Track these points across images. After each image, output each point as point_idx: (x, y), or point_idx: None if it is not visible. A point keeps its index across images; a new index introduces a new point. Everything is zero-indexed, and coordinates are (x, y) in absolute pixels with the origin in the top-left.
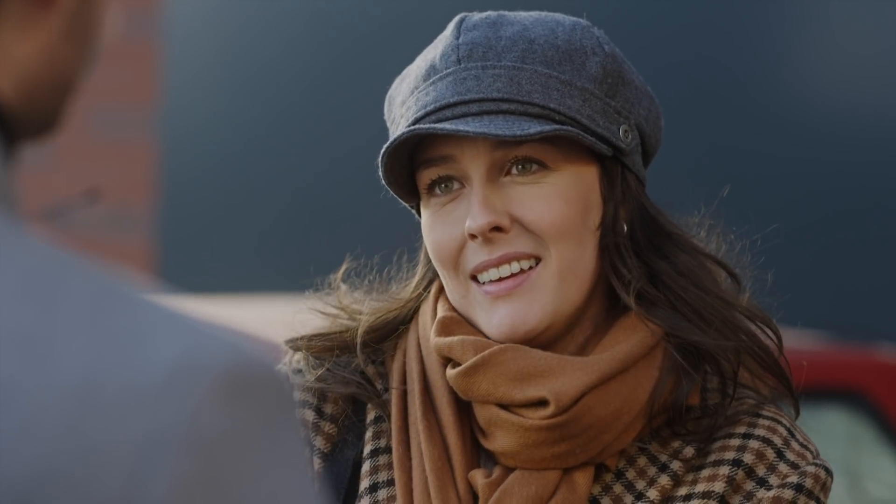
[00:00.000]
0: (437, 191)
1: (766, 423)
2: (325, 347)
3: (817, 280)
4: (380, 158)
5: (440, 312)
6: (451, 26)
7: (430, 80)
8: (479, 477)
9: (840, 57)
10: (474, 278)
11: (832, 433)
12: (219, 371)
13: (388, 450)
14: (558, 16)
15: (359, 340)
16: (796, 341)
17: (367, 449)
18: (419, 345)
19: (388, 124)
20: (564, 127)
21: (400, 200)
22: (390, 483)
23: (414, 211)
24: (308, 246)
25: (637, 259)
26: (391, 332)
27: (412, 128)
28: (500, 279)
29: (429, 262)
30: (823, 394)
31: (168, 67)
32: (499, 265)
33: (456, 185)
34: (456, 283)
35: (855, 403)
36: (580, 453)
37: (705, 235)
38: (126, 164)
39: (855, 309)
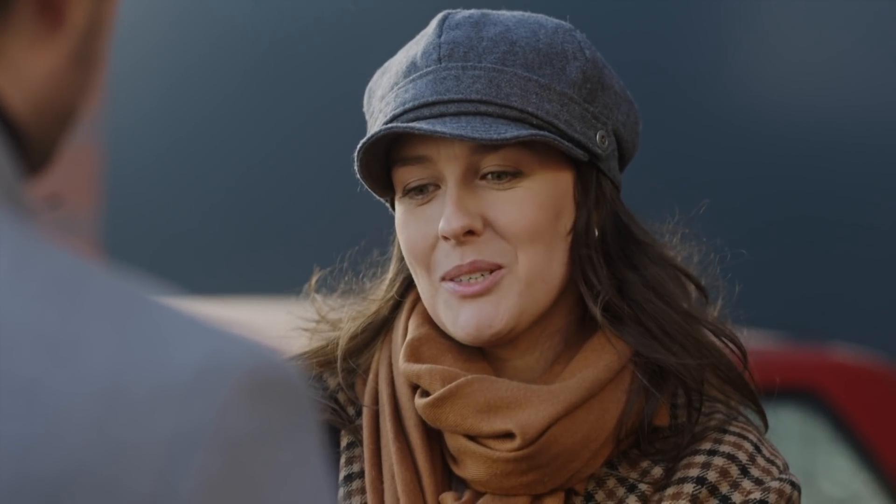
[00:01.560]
0: (413, 192)
1: (732, 438)
2: (307, 367)
3: (771, 280)
4: (356, 153)
5: (410, 332)
6: (434, 23)
7: (411, 78)
8: (448, 500)
9: (779, 59)
10: (443, 279)
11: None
12: (243, 373)
13: (361, 474)
14: (541, 17)
15: (339, 354)
16: (751, 341)
17: (341, 475)
18: (390, 365)
19: (367, 117)
20: (541, 132)
21: (374, 195)
22: None
23: (388, 205)
24: (253, 245)
25: (607, 269)
26: (372, 336)
27: (389, 126)
28: (469, 282)
29: (401, 258)
30: (778, 393)
31: (111, 67)
32: (469, 273)
33: (431, 188)
34: (426, 282)
35: (809, 403)
36: (548, 481)
37: (677, 243)
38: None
39: (809, 309)
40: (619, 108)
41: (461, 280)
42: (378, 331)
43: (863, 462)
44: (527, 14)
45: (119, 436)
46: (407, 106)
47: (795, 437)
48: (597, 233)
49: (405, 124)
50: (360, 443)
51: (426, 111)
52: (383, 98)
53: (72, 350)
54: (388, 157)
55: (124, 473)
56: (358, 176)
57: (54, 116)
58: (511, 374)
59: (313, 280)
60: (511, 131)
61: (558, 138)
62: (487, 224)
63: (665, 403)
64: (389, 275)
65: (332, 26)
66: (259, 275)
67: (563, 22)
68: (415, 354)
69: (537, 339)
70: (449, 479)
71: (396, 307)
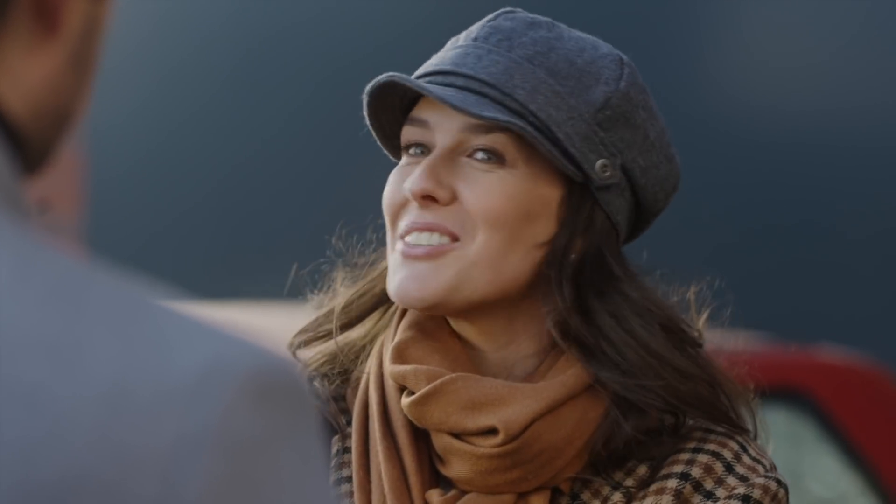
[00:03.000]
0: (411, 152)
1: (717, 438)
2: (307, 340)
3: (758, 281)
4: (364, 94)
5: (398, 335)
6: (500, 10)
7: (448, 48)
8: (434, 497)
9: (765, 65)
10: (403, 239)
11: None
12: (246, 375)
13: (349, 479)
14: (602, 43)
15: (335, 321)
16: (737, 342)
17: (331, 480)
18: (380, 368)
19: None
20: (521, 124)
21: (388, 154)
22: None
23: None
24: (237, 248)
25: (572, 287)
26: (371, 304)
27: (390, 74)
28: (417, 244)
29: None
30: (765, 394)
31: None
32: (422, 231)
33: (425, 151)
34: (391, 239)
35: (796, 403)
36: (532, 479)
37: (678, 290)
38: (55, 173)
39: (795, 309)
40: (645, 153)
41: (412, 241)
42: (377, 302)
43: (850, 462)
44: (593, 38)
45: (123, 440)
46: (428, 69)
47: (782, 437)
48: (573, 256)
49: (401, 75)
50: (349, 449)
51: (440, 78)
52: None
53: (74, 354)
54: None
55: (128, 478)
56: (367, 122)
57: (52, 119)
58: (494, 374)
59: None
60: (491, 112)
61: (540, 138)
62: (455, 198)
63: (636, 428)
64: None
65: (316, 27)
66: (243, 277)
67: (621, 54)
68: (401, 356)
69: (509, 335)
70: (436, 479)
71: (377, 303)
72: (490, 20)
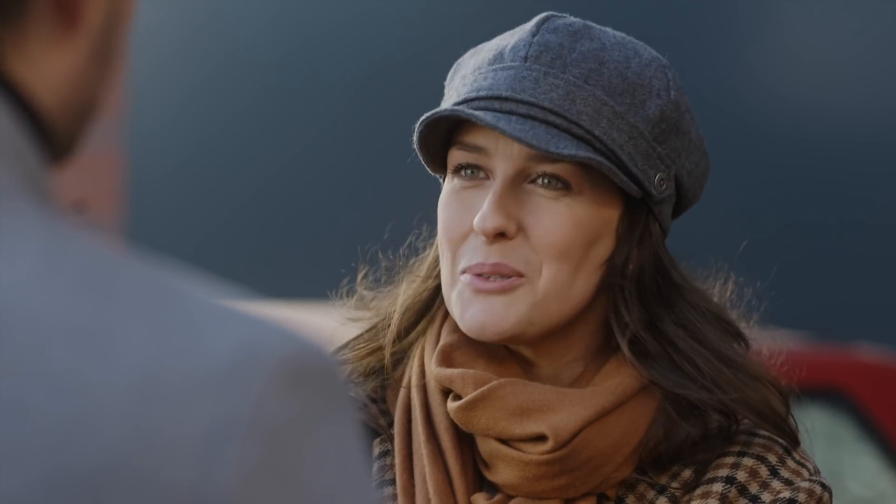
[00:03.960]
0: (463, 174)
1: (762, 441)
2: (359, 356)
3: (798, 280)
4: (417, 124)
5: (442, 338)
6: (534, 21)
7: (493, 67)
8: (480, 501)
9: (803, 61)
10: (463, 272)
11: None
12: (279, 360)
13: (392, 481)
14: (640, 45)
15: (390, 334)
16: (776, 341)
17: (370, 469)
18: (422, 370)
19: (445, 89)
20: (598, 158)
21: (429, 171)
22: None
23: (441, 181)
24: (277, 249)
25: (639, 304)
26: (416, 317)
27: (455, 108)
28: (488, 277)
29: None
30: (804, 393)
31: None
32: (490, 273)
33: (481, 174)
34: (448, 269)
35: (835, 402)
36: (580, 485)
37: (719, 286)
38: (93, 175)
39: (836, 309)
40: (690, 156)
41: (479, 271)
42: (423, 311)
43: (889, 461)
44: (628, 38)
45: (156, 427)
46: (481, 93)
47: (821, 436)
48: (631, 268)
49: (470, 110)
50: (392, 452)
51: (497, 104)
52: (464, 78)
53: (106, 341)
54: (450, 137)
55: (162, 465)
56: (415, 147)
57: (77, 112)
58: (541, 378)
59: (360, 276)
60: (570, 149)
61: (615, 169)
62: (521, 229)
63: (692, 433)
64: (432, 254)
65: (356, 28)
66: (282, 280)
67: (659, 56)
68: (447, 359)
69: (563, 350)
70: (480, 483)
71: (438, 290)
72: (534, 34)
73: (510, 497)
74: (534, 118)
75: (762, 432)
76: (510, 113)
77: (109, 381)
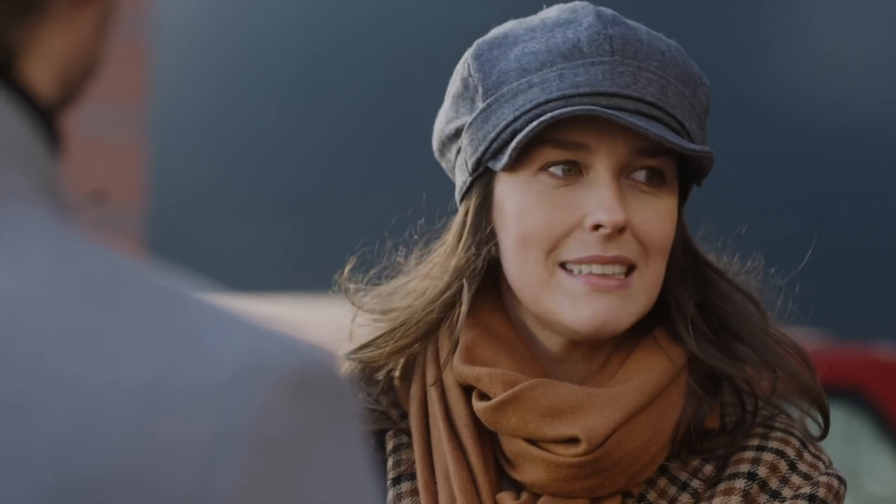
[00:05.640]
0: (556, 171)
1: (779, 434)
2: (385, 353)
3: (816, 279)
4: (536, 122)
5: (464, 334)
6: (585, 11)
7: (578, 62)
8: (506, 500)
9: (826, 56)
10: (563, 266)
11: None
12: (283, 371)
13: (409, 476)
14: (655, 33)
15: (423, 322)
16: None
17: (390, 477)
18: (438, 365)
19: (476, 83)
20: (706, 150)
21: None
22: None
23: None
24: (302, 244)
25: (684, 284)
26: (448, 306)
27: (590, 108)
28: (604, 275)
29: (458, 270)
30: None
31: (157, 66)
32: (610, 263)
33: (575, 171)
34: (539, 267)
35: (853, 401)
36: (609, 485)
37: (737, 265)
38: (115, 164)
39: (853, 307)
40: (706, 130)
41: (592, 271)
42: (445, 310)
43: None
44: (642, 25)
45: (159, 436)
46: (582, 89)
47: (838, 435)
48: (678, 251)
49: (608, 111)
50: (407, 445)
51: (603, 100)
52: (528, 73)
53: (111, 349)
54: (538, 134)
55: (165, 474)
56: (512, 146)
57: (77, 80)
58: (563, 375)
59: (346, 269)
60: (691, 145)
61: (712, 159)
62: (627, 224)
63: (716, 407)
64: (441, 285)
65: (379, 27)
66: (305, 277)
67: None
68: (470, 356)
69: (607, 341)
70: (501, 480)
71: (447, 308)
72: (603, 26)
73: (536, 496)
74: (641, 113)
75: (777, 424)
76: (618, 108)
77: (114, 390)
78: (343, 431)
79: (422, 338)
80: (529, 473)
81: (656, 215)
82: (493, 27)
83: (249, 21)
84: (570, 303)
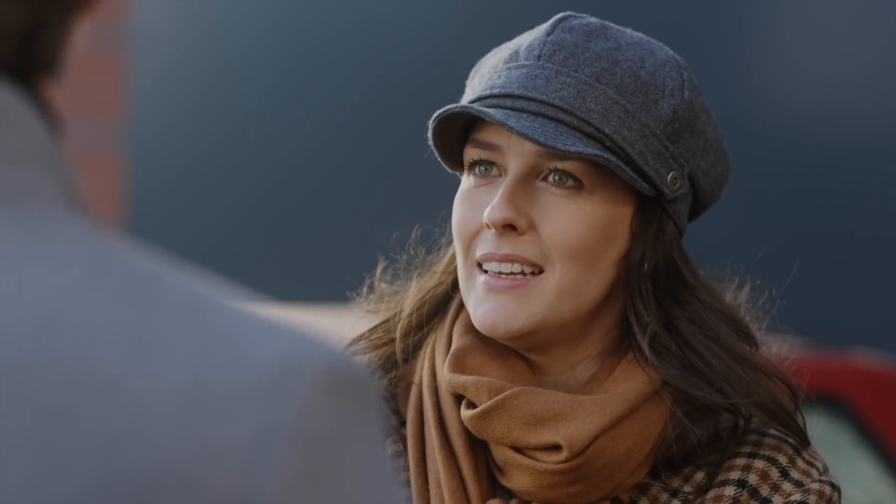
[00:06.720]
0: (477, 171)
1: (772, 442)
2: (373, 345)
3: (796, 286)
4: (431, 120)
5: (455, 341)
6: (552, 20)
7: (508, 66)
8: None
9: (805, 70)
10: (479, 266)
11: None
12: (319, 371)
13: (405, 484)
14: (657, 46)
15: (400, 329)
16: (774, 348)
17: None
18: (434, 373)
19: (466, 88)
20: (605, 155)
21: (446, 168)
22: None
23: (461, 176)
24: (281, 252)
25: (656, 302)
26: (433, 311)
27: (466, 105)
28: (501, 274)
29: None
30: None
31: (133, 77)
32: (501, 261)
33: (495, 171)
34: (463, 263)
35: (833, 409)
36: (594, 492)
37: (732, 291)
38: (93, 176)
39: (832, 314)
40: (706, 156)
41: (492, 269)
42: (437, 307)
43: (886, 467)
44: (646, 38)
45: (202, 434)
46: (494, 91)
47: (819, 442)
48: (647, 266)
49: (480, 107)
50: (404, 453)
51: (508, 101)
52: (482, 77)
53: (151, 349)
54: (466, 134)
55: (209, 472)
56: (430, 143)
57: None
58: (553, 386)
59: (379, 269)
60: (578, 146)
61: (622, 166)
62: (532, 226)
63: (703, 436)
64: (450, 251)
65: (358, 33)
66: (289, 283)
67: (677, 56)
68: (459, 364)
69: (576, 351)
70: (493, 487)
71: (456, 284)
72: (549, 33)
73: (526, 503)
74: (544, 116)
75: (772, 431)
76: (521, 110)
77: (156, 389)
78: (373, 429)
79: (414, 330)
80: (517, 481)
81: (565, 218)
82: (476, 29)
83: (226, 30)
84: (474, 301)
